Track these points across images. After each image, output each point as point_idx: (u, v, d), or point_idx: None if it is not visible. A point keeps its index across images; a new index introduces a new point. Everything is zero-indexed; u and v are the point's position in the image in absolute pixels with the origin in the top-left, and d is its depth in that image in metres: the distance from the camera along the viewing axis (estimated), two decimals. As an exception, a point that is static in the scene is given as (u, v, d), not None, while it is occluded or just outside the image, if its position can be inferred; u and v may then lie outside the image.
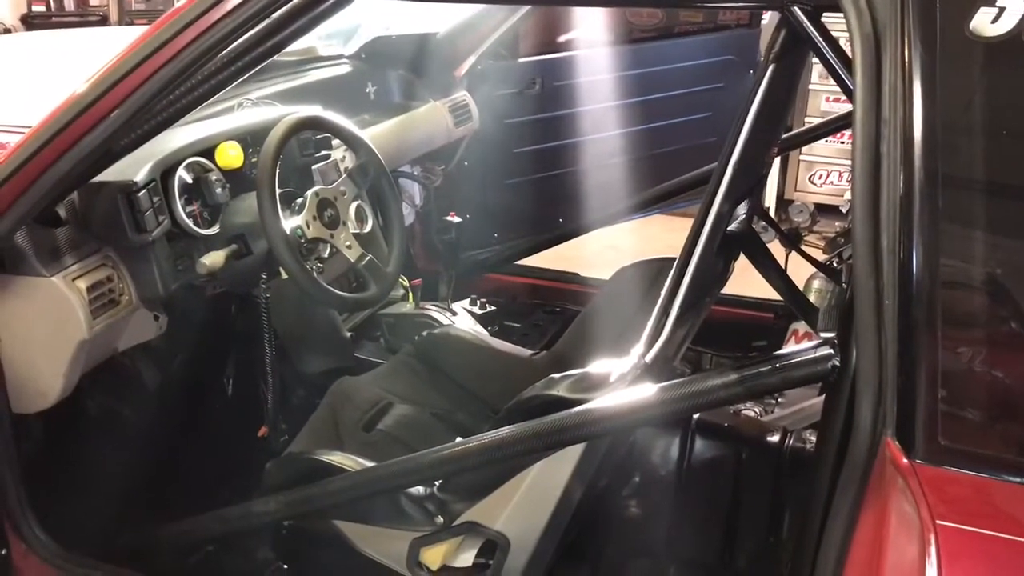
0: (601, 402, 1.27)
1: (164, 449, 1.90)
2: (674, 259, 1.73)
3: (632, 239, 3.89)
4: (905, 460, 0.97)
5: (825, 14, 1.20)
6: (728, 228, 1.38)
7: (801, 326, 2.37)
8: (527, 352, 2.03)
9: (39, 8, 5.73)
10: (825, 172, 4.80)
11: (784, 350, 1.21)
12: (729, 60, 3.39)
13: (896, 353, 0.99)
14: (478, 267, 2.91)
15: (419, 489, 1.53)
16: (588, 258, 3.25)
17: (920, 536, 0.91)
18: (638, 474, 1.94)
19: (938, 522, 0.91)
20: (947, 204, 0.97)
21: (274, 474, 1.66)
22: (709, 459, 1.93)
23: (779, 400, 2.36)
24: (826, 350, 1.12)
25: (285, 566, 1.82)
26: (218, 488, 1.94)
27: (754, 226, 1.53)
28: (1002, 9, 0.94)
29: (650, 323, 1.31)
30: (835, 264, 1.87)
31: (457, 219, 2.52)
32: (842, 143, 4.68)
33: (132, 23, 5.64)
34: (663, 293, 1.30)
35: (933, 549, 0.90)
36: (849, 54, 1.07)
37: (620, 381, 1.30)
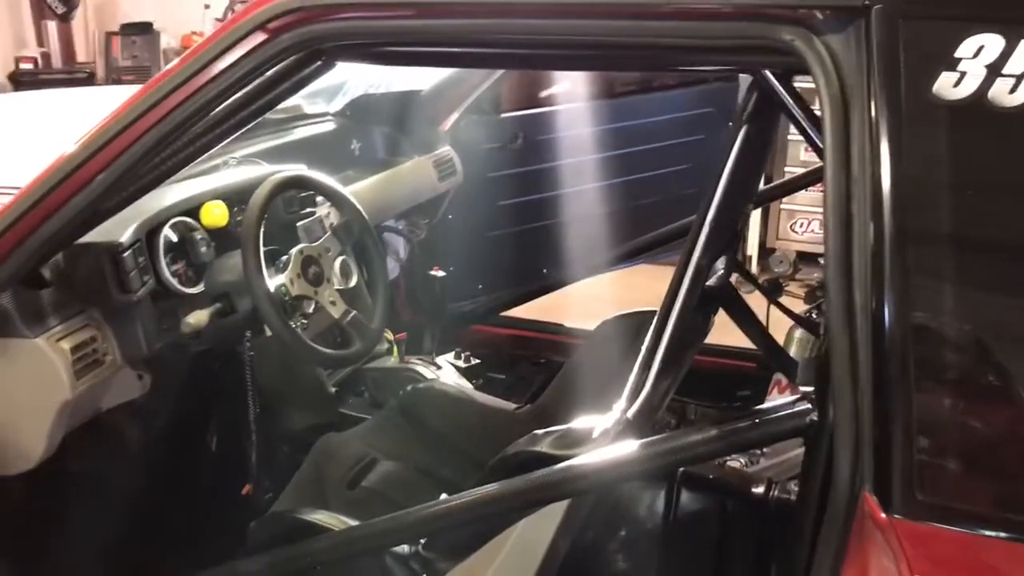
0: (584, 459, 1.28)
1: (148, 508, 1.88)
2: (655, 312, 1.75)
3: (616, 289, 3.92)
4: (883, 515, 0.98)
5: (795, 77, 1.24)
6: (707, 283, 1.40)
7: (784, 377, 2.38)
8: (511, 406, 2.03)
9: (27, 66, 5.77)
10: (806, 220, 4.86)
11: (765, 404, 1.22)
12: (708, 112, 3.45)
13: (871, 408, 1.00)
14: (463, 319, 2.92)
15: (404, 548, 1.52)
16: (572, 309, 3.26)
17: (901, 592, 0.92)
18: (624, 527, 1.94)
19: (917, 577, 0.92)
20: (917, 259, 1.00)
21: (258, 533, 1.65)
22: (695, 511, 1.93)
23: (764, 451, 2.36)
24: (804, 405, 1.14)
25: None
26: (203, 547, 1.92)
27: (732, 280, 1.56)
28: (963, 73, 0.98)
29: (631, 378, 1.32)
30: (815, 316, 1.89)
31: (441, 273, 2.55)
32: (821, 191, 4.73)
33: (119, 80, 5.69)
34: (644, 348, 1.31)
35: (913, 605, 0.91)
36: (819, 114, 1.10)
37: (603, 437, 1.31)
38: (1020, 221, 0.99)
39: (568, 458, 1.29)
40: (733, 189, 1.30)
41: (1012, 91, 0.97)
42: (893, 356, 0.99)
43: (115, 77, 5.77)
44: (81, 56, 6.13)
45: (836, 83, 1.05)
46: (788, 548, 1.75)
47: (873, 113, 1.02)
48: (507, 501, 1.32)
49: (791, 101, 1.21)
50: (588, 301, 3.75)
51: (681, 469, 1.90)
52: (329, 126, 2.55)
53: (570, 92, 3.09)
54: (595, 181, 3.03)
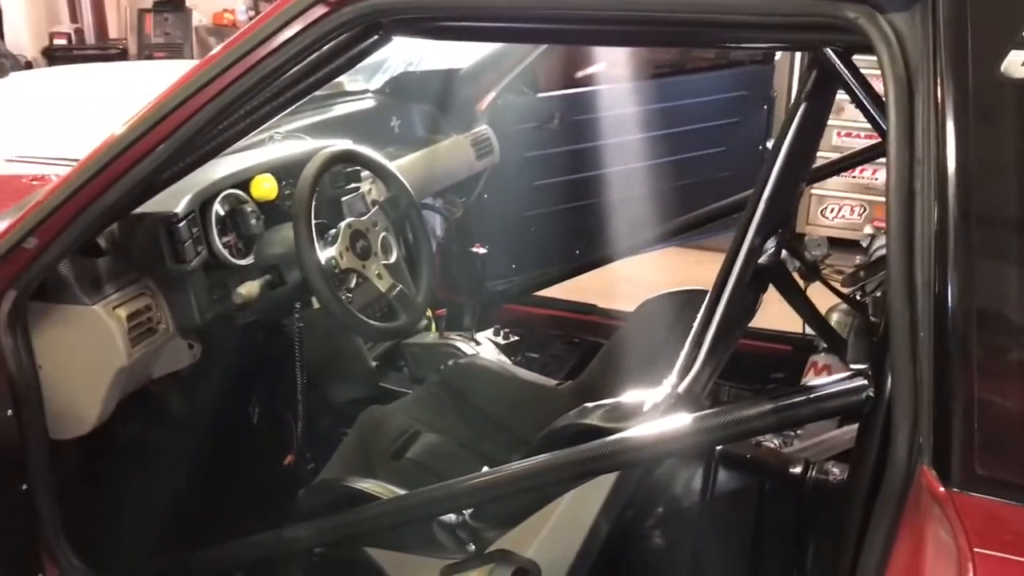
0: (636, 431, 1.29)
1: (192, 476, 1.92)
2: (700, 291, 1.76)
3: (647, 271, 3.93)
4: (942, 489, 0.99)
5: (856, 55, 1.24)
6: (758, 261, 1.41)
7: (820, 358, 2.39)
8: (552, 382, 2.05)
9: (60, 42, 5.82)
10: (837, 206, 4.83)
11: (816, 381, 1.23)
12: (743, 96, 3.45)
13: (931, 384, 1.01)
14: (497, 298, 2.94)
15: (451, 517, 1.54)
16: (604, 290, 3.28)
17: (958, 564, 0.93)
18: (662, 505, 1.96)
19: (976, 550, 0.93)
20: (980, 239, 1.00)
21: (307, 501, 1.68)
22: (732, 490, 1.94)
23: (798, 433, 2.37)
24: (860, 381, 1.15)
25: None
26: (245, 516, 1.95)
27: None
28: (1033, 52, 0.98)
29: (683, 354, 1.33)
30: (859, 297, 1.89)
31: (483, 250, 2.56)
32: (853, 178, 4.72)
33: (151, 56, 5.73)
34: (696, 324, 1.32)
35: (971, 576, 0.92)
36: (880, 93, 1.11)
37: (653, 411, 1.32)
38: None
39: (619, 431, 1.31)
40: (789, 167, 1.31)
41: (1079, 72, 0.97)
42: (955, 333, 1.00)
43: (147, 54, 5.81)
44: (113, 32, 6.17)
45: (901, 62, 1.05)
46: (833, 525, 1.77)
47: (938, 92, 1.02)
48: (558, 472, 1.34)
49: (852, 80, 1.22)
50: (618, 283, 3.77)
51: (719, 448, 1.92)
52: (369, 103, 2.57)
53: (606, 73, 3.10)
54: (629, 163, 3.04)
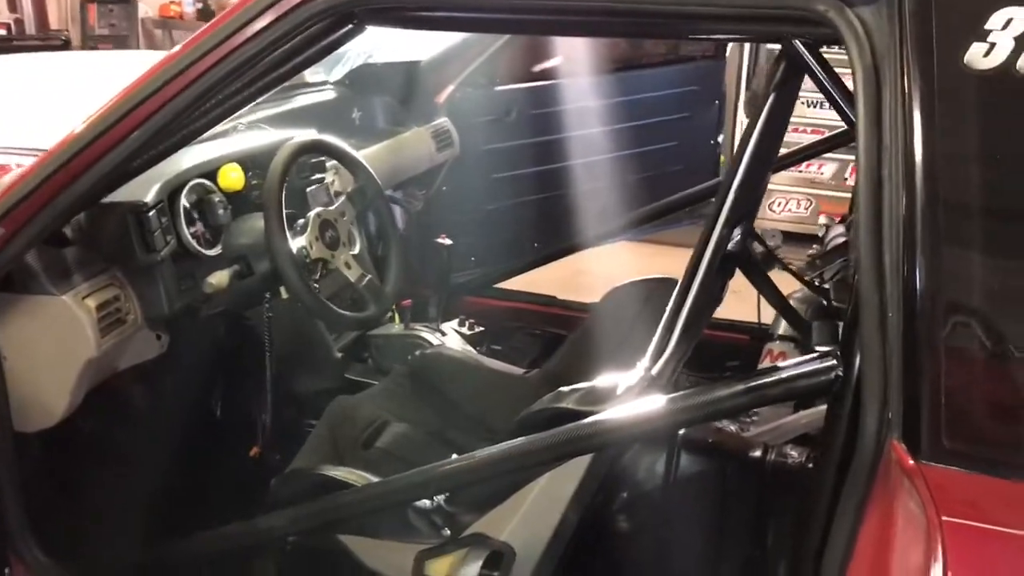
0: (610, 414, 1.32)
1: (158, 469, 1.90)
2: (664, 279, 1.80)
3: (602, 265, 3.97)
4: (911, 461, 1.04)
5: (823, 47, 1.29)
6: (726, 248, 1.45)
7: (776, 346, 2.45)
8: (519, 371, 2.07)
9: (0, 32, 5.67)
10: (784, 200, 4.94)
11: (786, 362, 1.27)
12: (695, 91, 3.51)
13: (900, 361, 1.06)
14: (457, 290, 2.95)
15: (426, 502, 1.56)
16: (561, 283, 3.31)
17: (927, 533, 0.98)
18: (628, 490, 1.99)
19: (944, 519, 0.97)
20: (946, 224, 1.05)
21: (279, 489, 1.68)
22: (695, 474, 1.99)
23: (755, 418, 2.43)
24: (829, 361, 1.19)
25: None
26: (212, 509, 1.94)
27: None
28: (993, 44, 1.03)
29: (655, 338, 1.37)
30: (817, 283, 1.95)
31: (448, 241, 2.58)
32: (799, 172, 4.83)
33: (96, 48, 5.61)
34: (668, 309, 1.36)
35: (940, 545, 0.97)
36: (847, 85, 1.15)
37: (627, 394, 1.36)
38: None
39: (594, 414, 1.33)
40: (758, 156, 1.35)
41: (1038, 64, 1.02)
42: (923, 312, 1.04)
43: (91, 45, 5.69)
44: (54, 23, 6.03)
45: (868, 53, 1.10)
46: (792, 506, 1.82)
47: (905, 83, 1.07)
48: (534, 456, 1.36)
49: (820, 71, 1.26)
50: (573, 276, 3.81)
51: (681, 433, 1.97)
52: (330, 95, 2.57)
53: (562, 67, 3.13)
54: (585, 156, 3.07)
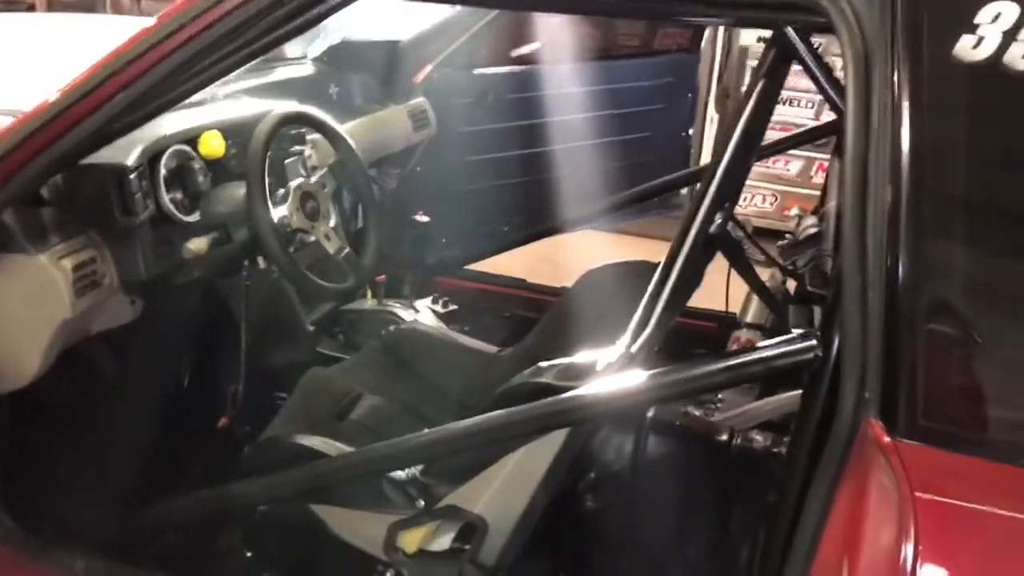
0: (590, 389, 1.34)
1: (127, 436, 1.88)
2: (640, 262, 1.82)
3: (568, 253, 3.99)
4: (887, 438, 1.07)
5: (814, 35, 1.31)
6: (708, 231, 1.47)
7: (743, 333, 2.49)
8: (493, 349, 2.09)
9: (-39, -6, 5.52)
10: (750, 195, 5.01)
11: (766, 342, 1.30)
12: (669, 83, 3.53)
13: (880, 341, 1.09)
14: (427, 270, 2.95)
15: (400, 473, 1.57)
16: (526, 269, 3.32)
17: (899, 509, 1.00)
18: (596, 470, 2.02)
19: (917, 495, 1.01)
20: (930, 212, 1.08)
21: (253, 457, 1.68)
22: (662, 455, 2.02)
23: (719, 405, 2.47)
24: (810, 341, 1.22)
25: (249, 554, 1.83)
26: (178, 477, 1.93)
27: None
28: (981, 37, 1.06)
29: (636, 315, 1.39)
30: (791, 267, 1.99)
31: (426, 219, 2.57)
32: (766, 168, 4.90)
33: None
34: (651, 286, 1.38)
35: (912, 521, 1.00)
36: (836, 73, 1.18)
37: (607, 369, 1.37)
38: (1026, 176, 1.08)
39: (574, 388, 1.35)
40: (745, 141, 1.38)
41: (1024, 57, 1.06)
42: (904, 295, 1.08)
43: (58, 10, 5.56)
44: (18, -13, 5.89)
45: (859, 42, 1.12)
46: (752, 493, 1.86)
47: (894, 73, 1.10)
48: (512, 429, 1.37)
49: (811, 58, 1.29)
50: (538, 263, 3.83)
51: (650, 415, 1.99)
52: (308, 69, 2.55)
53: (540, 53, 3.13)
54: (559, 143, 3.08)
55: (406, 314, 2.30)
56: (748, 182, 5.01)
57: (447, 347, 2.06)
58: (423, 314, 2.37)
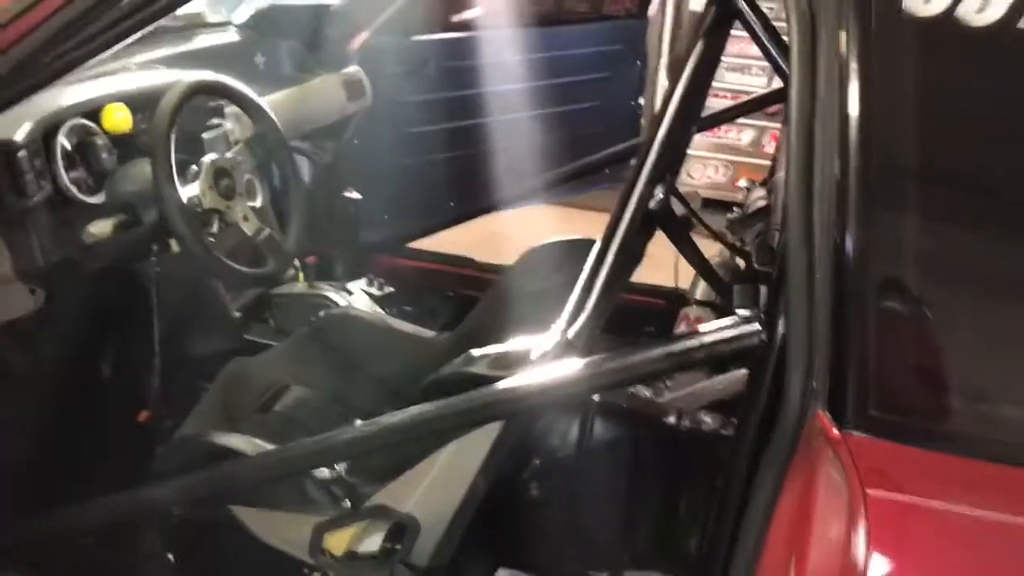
0: (523, 378, 1.25)
1: (35, 434, 1.76)
2: (581, 240, 1.72)
3: (516, 228, 3.89)
4: (836, 431, 0.99)
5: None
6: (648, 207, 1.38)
7: (692, 311, 2.41)
8: (430, 333, 1.98)
9: None
10: (702, 166, 4.93)
11: (708, 326, 1.21)
12: (617, 50, 3.44)
13: (827, 326, 1.00)
14: (368, 248, 2.84)
15: (324, 472, 1.47)
16: (472, 245, 3.22)
17: (849, 505, 0.93)
18: (540, 456, 1.93)
19: (868, 490, 0.93)
20: (881, 182, 1.00)
21: (166, 459, 1.56)
22: (609, 440, 1.94)
23: (668, 384, 2.40)
24: (752, 326, 1.13)
25: (172, 557, 1.72)
26: (97, 478, 1.81)
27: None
28: (933, -9, 0.97)
29: (572, 299, 1.29)
30: (740, 244, 1.91)
31: (357, 195, 2.45)
32: (717, 138, 4.82)
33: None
34: (586, 269, 1.28)
35: (863, 517, 0.92)
36: (781, 32, 1.08)
37: (542, 357, 1.28)
38: (986, 143, 1.00)
39: (506, 378, 1.26)
40: (682, 112, 1.28)
41: (979, 11, 0.97)
42: (852, 275, 0.99)
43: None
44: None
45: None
46: (699, 475, 1.78)
47: (842, 30, 1.01)
48: (442, 422, 1.28)
49: (753, 17, 1.20)
50: (490, 237, 3.72)
51: (596, 398, 1.91)
52: (232, 36, 2.40)
53: (482, 19, 3.02)
54: (504, 113, 2.98)
55: (338, 298, 2.18)
56: (699, 153, 4.99)
57: (380, 333, 1.95)
58: (357, 297, 2.25)
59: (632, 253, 1.39)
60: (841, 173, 0.99)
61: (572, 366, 1.23)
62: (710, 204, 4.22)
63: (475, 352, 1.35)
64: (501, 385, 1.24)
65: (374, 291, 2.37)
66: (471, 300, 2.63)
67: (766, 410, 1.14)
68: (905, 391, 0.99)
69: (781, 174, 2.00)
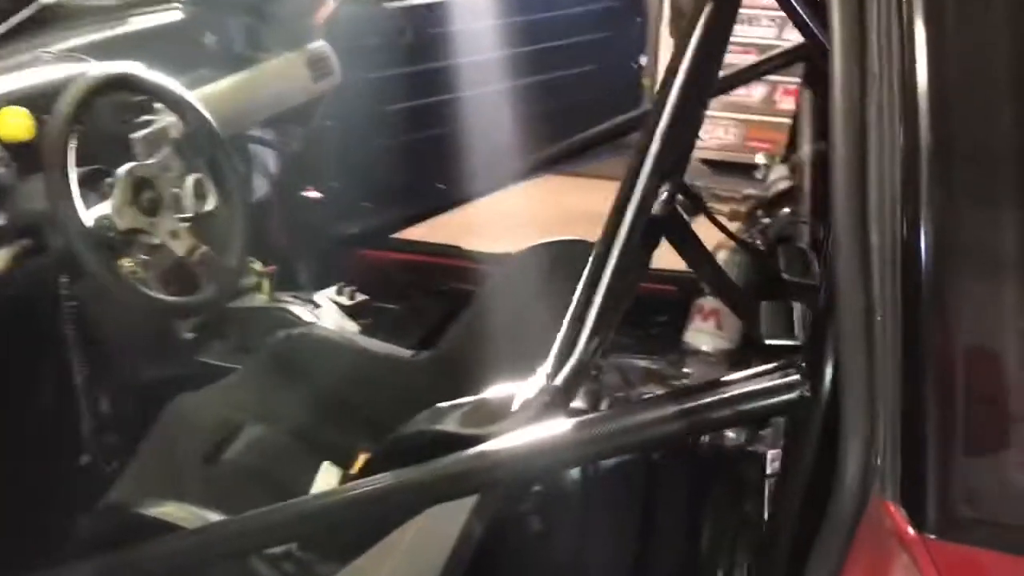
0: (502, 441, 0.99)
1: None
2: (577, 241, 1.46)
3: (524, 203, 3.63)
4: (912, 531, 0.73)
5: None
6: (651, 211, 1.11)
7: (707, 302, 2.14)
8: (407, 353, 1.72)
9: None
10: (710, 126, 4.60)
11: (741, 375, 0.95)
12: (613, 6, 3.18)
13: (896, 388, 0.74)
14: (347, 242, 2.58)
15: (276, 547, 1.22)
16: (476, 228, 2.96)
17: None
18: (540, 483, 1.69)
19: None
20: (965, 180, 0.73)
21: (91, 531, 1.32)
22: (619, 461, 1.70)
23: (683, 381, 2.14)
24: (792, 376, 0.87)
25: None
26: (29, 532, 1.58)
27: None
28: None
29: (561, 334, 1.04)
30: (759, 244, 1.63)
31: (316, 195, 2.18)
32: (726, 96, 4.49)
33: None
34: (576, 297, 1.02)
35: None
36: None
37: (524, 411, 1.03)
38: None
39: (482, 438, 1.01)
40: (689, 89, 1.00)
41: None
42: (928, 318, 0.72)
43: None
44: None
45: None
46: (733, 499, 1.54)
47: None
48: (404, 496, 1.03)
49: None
50: (495, 219, 3.46)
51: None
52: (175, 15, 2.12)
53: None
54: (494, 84, 2.74)
55: (304, 311, 1.93)
56: (708, 112, 4.67)
57: (350, 354, 1.69)
58: (325, 310, 1.99)
59: (633, 270, 1.12)
60: (909, 171, 0.72)
61: (560, 427, 0.97)
62: (720, 167, 3.92)
63: (443, 405, 1.09)
64: (474, 452, 0.99)
65: (344, 300, 2.10)
66: (462, 295, 2.39)
67: (812, 477, 0.89)
68: (1012, 480, 0.72)
69: (806, 148, 1.72)
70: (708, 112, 4.60)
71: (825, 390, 0.85)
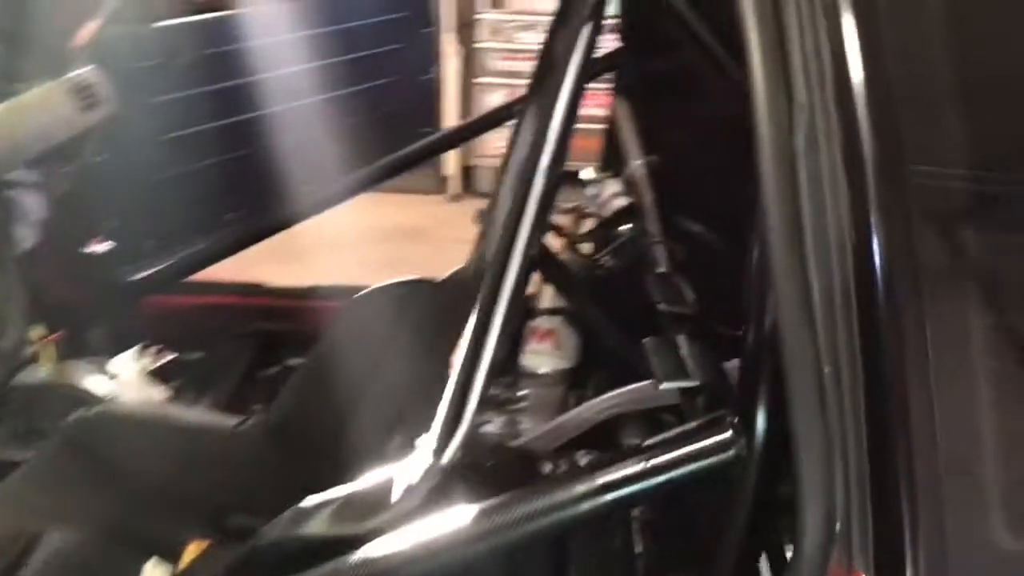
0: (389, 541, 0.84)
1: None
2: (418, 282, 1.33)
3: (344, 225, 3.39)
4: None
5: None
6: None
7: (543, 322, 2.06)
8: (229, 422, 1.51)
9: None
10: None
11: (664, 436, 0.84)
12: (403, 17, 3.08)
13: (854, 443, 0.66)
14: (136, 289, 2.29)
15: None
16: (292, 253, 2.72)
17: None
18: None
19: None
20: (921, 193, 0.66)
21: None
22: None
23: (521, 404, 2.04)
24: (723, 433, 0.78)
25: None
26: None
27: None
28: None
29: (443, 408, 0.89)
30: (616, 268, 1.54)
31: (101, 248, 1.90)
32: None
33: None
34: (461, 363, 0.89)
35: None
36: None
37: (408, 499, 0.88)
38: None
39: (364, 539, 0.85)
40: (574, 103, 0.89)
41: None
42: (892, 357, 0.65)
43: None
44: None
45: None
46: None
47: None
48: None
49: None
50: (317, 246, 3.22)
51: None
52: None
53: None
54: (283, 103, 2.55)
55: (99, 382, 1.65)
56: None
57: (162, 431, 1.46)
58: (123, 377, 1.73)
59: (516, 318, 0.99)
60: (856, 194, 0.65)
61: (459, 517, 0.83)
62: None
63: (308, 503, 0.91)
64: (358, 557, 0.83)
65: (147, 363, 1.84)
66: (272, 335, 2.19)
67: (749, 546, 0.80)
68: (1007, 546, 0.65)
69: (638, 162, 1.67)
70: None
71: (758, 446, 0.76)
